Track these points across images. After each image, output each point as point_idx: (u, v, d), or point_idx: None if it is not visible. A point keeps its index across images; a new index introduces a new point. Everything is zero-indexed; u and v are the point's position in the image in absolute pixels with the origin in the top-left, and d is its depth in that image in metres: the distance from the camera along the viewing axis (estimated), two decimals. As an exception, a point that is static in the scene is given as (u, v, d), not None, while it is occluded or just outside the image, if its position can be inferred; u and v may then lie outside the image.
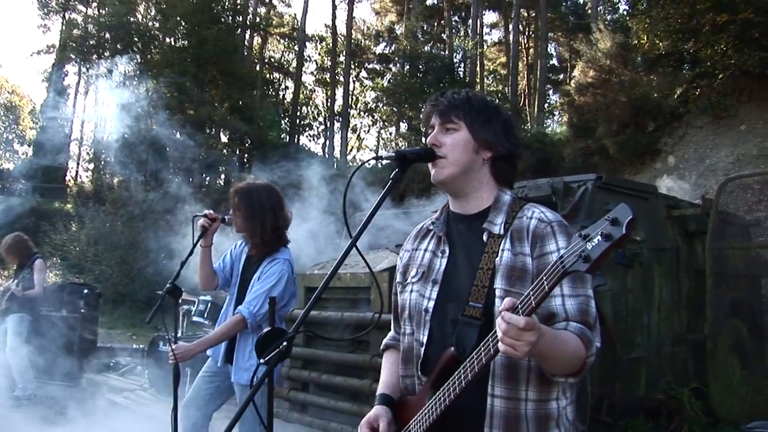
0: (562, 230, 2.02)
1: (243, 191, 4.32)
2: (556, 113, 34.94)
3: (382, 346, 2.50)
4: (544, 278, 1.65)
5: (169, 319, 4.10)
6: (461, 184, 2.15)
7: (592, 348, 1.88)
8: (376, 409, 2.23)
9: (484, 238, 2.09)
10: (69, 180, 41.07)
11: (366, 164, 2.40)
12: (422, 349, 2.14)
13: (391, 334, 2.48)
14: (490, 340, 1.78)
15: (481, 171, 2.15)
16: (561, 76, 37.18)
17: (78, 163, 44.52)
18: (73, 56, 39.40)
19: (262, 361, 1.90)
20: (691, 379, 6.19)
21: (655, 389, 5.96)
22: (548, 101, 35.45)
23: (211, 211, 4.31)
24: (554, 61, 38.91)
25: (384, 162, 2.21)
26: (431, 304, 2.14)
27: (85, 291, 10.42)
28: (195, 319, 7.93)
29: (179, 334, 8.34)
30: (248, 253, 4.42)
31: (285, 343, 1.87)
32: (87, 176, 41.24)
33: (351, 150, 39.83)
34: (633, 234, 1.34)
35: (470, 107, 2.14)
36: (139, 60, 35.31)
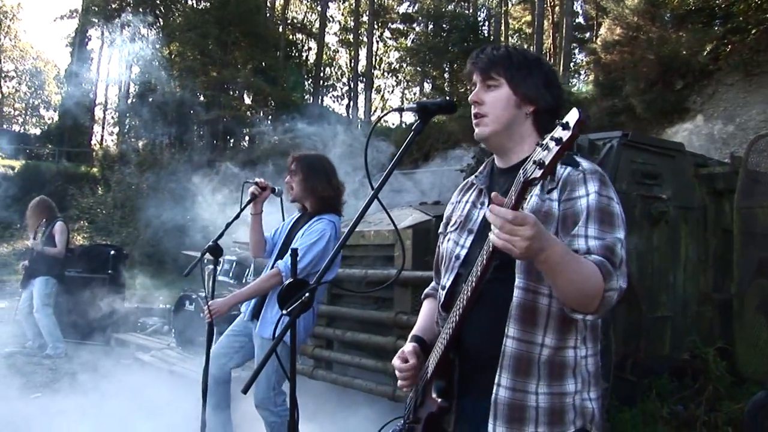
0: (594, 177, 2.00)
1: (302, 157, 4.49)
2: (582, 72, 34.47)
3: (422, 296, 2.55)
4: (513, 191, 1.66)
5: (200, 277, 4.18)
6: (503, 139, 2.16)
7: (612, 282, 1.83)
8: (406, 345, 2.28)
9: None
10: (94, 144, 41.40)
11: (384, 120, 2.39)
12: (443, 293, 2.18)
13: (432, 284, 2.53)
14: (484, 251, 1.81)
15: (523, 125, 2.15)
16: (587, 35, 36.48)
17: (103, 127, 44.87)
18: (96, 20, 39.44)
19: (284, 312, 1.91)
20: (716, 339, 6.14)
21: (680, 348, 5.93)
22: (574, 60, 34.92)
23: (262, 180, 4.43)
24: (580, 19, 38.16)
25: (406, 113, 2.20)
26: (464, 252, 2.17)
27: (112, 252, 10.56)
28: (220, 278, 8.00)
29: (205, 293, 8.43)
30: (297, 219, 4.54)
31: (307, 294, 1.88)
32: (112, 140, 41.58)
33: (375, 111, 39.63)
34: (580, 131, 1.40)
35: (510, 62, 2.13)
36: (161, 22, 35.33)
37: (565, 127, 1.52)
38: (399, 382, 2.24)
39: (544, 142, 1.56)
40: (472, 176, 2.36)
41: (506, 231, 1.63)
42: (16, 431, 5.44)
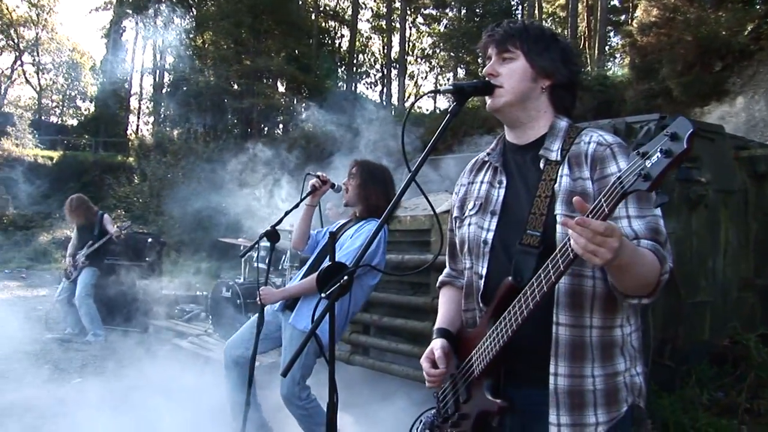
0: (622, 151, 1.97)
1: (364, 163, 4.54)
2: (618, 55, 34.02)
3: (438, 284, 2.51)
4: (603, 200, 1.60)
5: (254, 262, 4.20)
6: (518, 113, 2.13)
7: (666, 266, 1.83)
8: (433, 342, 2.25)
9: (541, 165, 2.06)
10: (130, 134, 41.87)
11: (417, 106, 2.37)
12: (481, 282, 2.14)
13: (446, 271, 2.49)
14: (550, 266, 1.76)
15: (539, 99, 2.13)
16: (623, 17, 35.98)
17: (138, 117, 45.39)
18: (130, 11, 39.83)
19: (323, 295, 1.90)
20: (758, 325, 6.05)
21: (721, 335, 5.84)
22: (609, 43, 34.48)
23: (324, 174, 4.52)
24: (615, 2, 37.62)
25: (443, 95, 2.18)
26: (490, 235, 2.13)
27: (149, 240, 10.69)
28: (256, 265, 8.05)
29: (241, 280, 8.50)
30: (343, 224, 4.59)
31: (346, 277, 1.87)
32: (147, 129, 42.01)
33: (408, 97, 39.57)
34: (694, 148, 1.30)
35: (527, 35, 2.11)
36: (194, 12, 35.54)
37: (674, 138, 1.46)
38: (427, 384, 2.22)
39: (646, 150, 1.50)
40: (483, 154, 2.32)
41: (596, 242, 1.59)
42: (59, 415, 5.52)
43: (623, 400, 1.97)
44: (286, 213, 4.34)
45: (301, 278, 4.48)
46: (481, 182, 2.27)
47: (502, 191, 2.16)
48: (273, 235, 4.22)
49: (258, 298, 4.26)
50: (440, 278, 2.50)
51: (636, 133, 5.53)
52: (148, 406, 5.49)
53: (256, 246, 4.49)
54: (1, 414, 5.52)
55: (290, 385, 4.16)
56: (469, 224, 2.22)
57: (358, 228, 4.31)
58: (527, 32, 2.11)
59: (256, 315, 4.53)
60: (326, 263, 1.98)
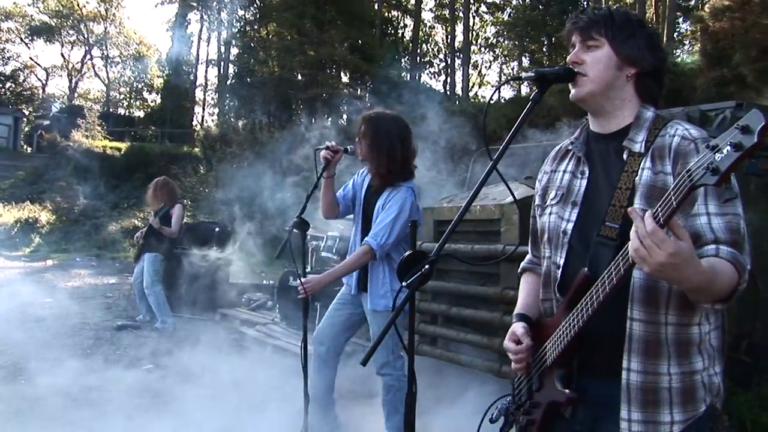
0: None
1: (371, 119, 4.34)
2: (687, 42, 33.15)
3: (519, 270, 2.51)
4: (672, 193, 1.56)
5: (297, 253, 4.17)
6: (602, 101, 2.08)
7: (745, 274, 1.79)
8: (513, 325, 2.25)
9: (624, 156, 2.02)
10: (195, 125, 42.62)
11: (481, 96, 2.35)
12: (559, 272, 2.12)
13: (528, 257, 2.48)
14: (620, 258, 1.74)
15: (624, 88, 2.07)
16: (692, 2, 35.08)
17: (203, 108, 46.17)
18: (195, 4, 40.50)
19: (404, 284, 1.90)
20: (842, 319, 5.83)
21: (802, 330, 5.65)
22: (678, 30, 33.64)
23: (333, 143, 4.35)
24: (685, -13, 36.72)
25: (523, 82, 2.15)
26: (570, 226, 2.11)
27: (216, 230, 10.85)
28: (323, 254, 8.08)
29: (309, 270, 8.56)
30: (370, 182, 4.45)
31: (427, 266, 1.86)
32: (212, 120, 42.69)
33: (472, 86, 39.34)
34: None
35: (612, 22, 2.06)
36: (258, 3, 35.90)
37: (745, 130, 1.41)
38: (513, 365, 2.21)
39: (716, 144, 1.47)
40: (567, 142, 2.28)
41: (645, 245, 1.59)
42: (127, 399, 5.65)
43: (701, 399, 1.93)
44: (308, 198, 4.19)
45: (352, 244, 4.49)
46: (564, 171, 2.24)
47: (584, 182, 2.13)
48: (301, 224, 4.12)
49: (300, 289, 4.17)
50: (522, 264, 2.49)
51: (710, 120, 5.37)
52: (213, 393, 5.59)
53: (306, 238, 4.40)
54: (75, 398, 5.69)
55: (385, 355, 4.21)
56: (550, 213, 2.20)
57: (386, 197, 4.21)
58: (612, 19, 2.06)
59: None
60: (407, 252, 1.96)
